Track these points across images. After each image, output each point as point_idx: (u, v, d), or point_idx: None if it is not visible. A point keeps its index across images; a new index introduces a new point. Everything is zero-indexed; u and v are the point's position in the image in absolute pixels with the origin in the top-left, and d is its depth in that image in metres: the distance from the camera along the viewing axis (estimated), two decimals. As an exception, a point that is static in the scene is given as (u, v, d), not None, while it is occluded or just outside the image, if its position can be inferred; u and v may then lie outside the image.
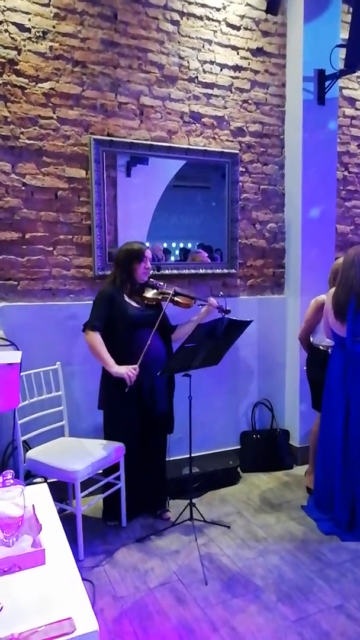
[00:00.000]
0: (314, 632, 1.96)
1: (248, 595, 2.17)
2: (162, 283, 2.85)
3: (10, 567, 1.10)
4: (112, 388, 2.68)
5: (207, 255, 3.49)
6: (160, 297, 2.76)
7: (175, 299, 2.78)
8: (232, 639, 1.92)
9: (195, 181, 3.43)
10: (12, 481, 1.22)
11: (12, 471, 1.26)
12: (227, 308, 2.84)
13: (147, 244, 3.05)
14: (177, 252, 3.41)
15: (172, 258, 3.39)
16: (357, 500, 2.70)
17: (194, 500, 2.79)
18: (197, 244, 3.48)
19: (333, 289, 2.80)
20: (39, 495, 1.49)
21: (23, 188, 2.89)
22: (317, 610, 2.09)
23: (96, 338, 2.60)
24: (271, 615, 2.05)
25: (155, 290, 2.80)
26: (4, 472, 1.25)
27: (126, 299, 2.71)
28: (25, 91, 2.84)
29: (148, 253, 2.76)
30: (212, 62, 3.37)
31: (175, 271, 3.32)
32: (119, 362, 2.60)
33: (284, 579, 2.30)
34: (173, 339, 2.88)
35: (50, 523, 1.32)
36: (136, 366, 2.55)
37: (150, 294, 2.78)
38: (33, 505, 1.31)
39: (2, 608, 1.02)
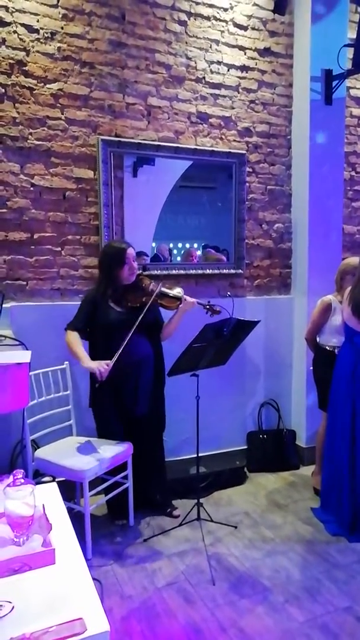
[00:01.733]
0: (322, 634, 1.96)
1: (256, 596, 2.17)
2: (149, 282, 2.72)
3: (20, 567, 1.11)
4: (96, 388, 2.68)
5: (214, 252, 3.49)
6: (143, 300, 2.64)
7: (160, 301, 2.70)
8: None
9: (201, 182, 3.43)
10: (22, 480, 1.23)
11: (22, 470, 1.26)
12: (217, 308, 2.69)
13: (152, 245, 3.03)
14: (182, 252, 3.42)
15: (179, 258, 3.39)
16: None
17: (201, 500, 2.80)
18: (202, 244, 3.47)
19: (348, 288, 2.79)
20: (49, 495, 1.50)
21: (32, 189, 2.90)
22: (325, 611, 2.09)
23: (73, 335, 2.59)
24: (279, 617, 2.05)
25: (140, 292, 2.68)
26: (14, 472, 1.26)
27: (110, 303, 2.66)
28: (34, 92, 2.86)
29: (131, 253, 2.65)
30: (219, 63, 3.37)
31: (182, 271, 3.32)
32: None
33: (291, 580, 2.29)
34: (162, 338, 2.82)
35: (60, 522, 1.33)
36: (109, 362, 2.48)
37: (134, 296, 2.68)
38: (43, 504, 1.31)
39: (13, 608, 1.03)
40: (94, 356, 2.61)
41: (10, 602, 1.03)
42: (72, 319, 2.67)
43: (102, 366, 2.48)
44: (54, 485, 1.59)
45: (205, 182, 3.45)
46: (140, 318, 2.54)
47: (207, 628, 1.99)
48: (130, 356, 2.57)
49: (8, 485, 1.23)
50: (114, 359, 2.49)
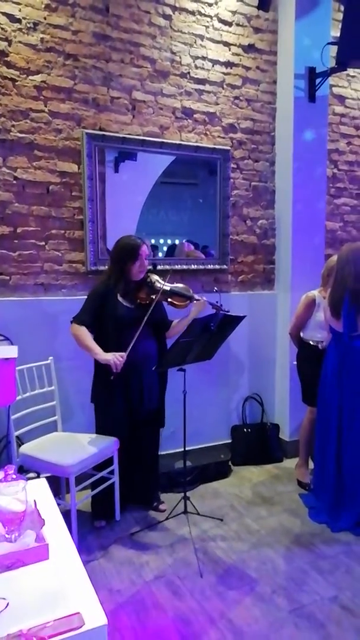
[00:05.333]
0: (309, 623, 1.99)
1: (243, 587, 2.20)
2: (160, 280, 2.73)
3: (13, 563, 1.10)
4: (101, 383, 2.67)
5: (193, 249, 3.49)
6: (153, 297, 2.65)
7: (169, 299, 2.72)
8: (228, 630, 1.94)
9: (183, 178, 3.42)
10: (14, 476, 1.22)
11: (14, 466, 1.25)
12: (223, 307, 2.74)
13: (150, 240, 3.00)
14: (164, 248, 3.41)
15: (160, 254, 3.38)
16: (346, 487, 2.75)
17: (187, 494, 2.81)
18: (184, 240, 3.47)
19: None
20: (39, 491, 1.49)
21: (14, 182, 2.86)
22: (311, 601, 2.12)
23: (82, 329, 2.56)
24: (267, 607, 2.08)
25: (149, 289, 2.69)
26: (6, 467, 1.25)
27: (119, 298, 2.65)
28: (16, 83, 2.81)
29: (144, 250, 2.65)
30: (204, 58, 3.36)
31: (167, 267, 3.31)
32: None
33: (278, 571, 2.33)
34: (167, 336, 2.85)
35: (52, 518, 1.32)
36: (124, 353, 2.50)
37: (143, 293, 2.68)
38: (35, 500, 1.30)
39: (7, 604, 1.02)
40: (107, 348, 2.57)
41: (4, 599, 1.03)
42: (80, 313, 2.61)
43: (117, 358, 2.48)
44: (44, 480, 1.58)
45: (186, 178, 3.44)
46: (148, 315, 2.54)
47: (197, 620, 2.00)
48: (136, 353, 2.57)
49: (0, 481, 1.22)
50: (127, 351, 2.50)
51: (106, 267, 2.85)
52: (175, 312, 2.83)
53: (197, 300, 2.76)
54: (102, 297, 2.63)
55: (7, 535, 1.21)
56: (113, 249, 2.72)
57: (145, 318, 2.54)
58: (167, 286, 2.71)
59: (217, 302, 2.76)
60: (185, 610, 2.06)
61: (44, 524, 1.21)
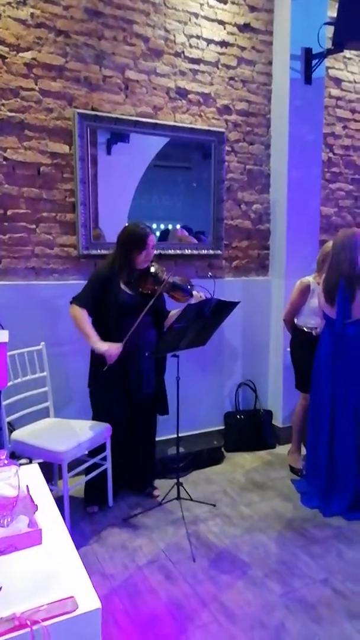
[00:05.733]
0: (300, 606, 2.01)
1: (235, 572, 2.21)
2: (162, 271, 2.71)
3: (6, 548, 1.08)
4: (98, 368, 2.65)
5: (187, 234, 3.45)
6: (156, 288, 2.62)
7: (171, 293, 2.72)
8: (221, 614, 1.95)
9: (176, 161, 3.36)
10: (6, 462, 1.19)
11: (5, 451, 1.22)
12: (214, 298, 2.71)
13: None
14: (157, 233, 3.36)
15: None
16: (338, 472, 2.76)
17: (180, 480, 2.80)
18: (178, 225, 3.41)
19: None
20: (31, 476, 1.46)
21: (4, 162, 2.79)
22: (303, 584, 2.14)
23: (82, 312, 2.54)
24: (259, 590, 2.09)
25: (152, 279, 2.66)
26: (-3, 452, 1.22)
27: (121, 285, 2.61)
28: (6, 60, 2.72)
29: (152, 239, 2.61)
30: (198, 37, 3.28)
31: (160, 251, 3.27)
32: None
33: (269, 555, 2.34)
34: (164, 326, 2.81)
35: (45, 503, 1.30)
36: (120, 345, 2.50)
37: (147, 283, 2.65)
38: (27, 485, 1.28)
39: (1, 588, 1.00)
40: (105, 337, 2.55)
41: (-4, 584, 1.01)
42: (80, 295, 2.58)
43: (112, 349, 2.46)
44: (36, 466, 1.55)
45: (180, 161, 3.38)
46: (150, 304, 2.51)
47: (189, 603, 2.01)
48: (136, 340, 2.54)
49: (-10, 466, 1.19)
50: (124, 341, 2.49)
51: (110, 251, 2.80)
52: (173, 303, 2.82)
53: (196, 295, 2.75)
54: (105, 282, 2.59)
55: (-1, 521, 1.18)
56: (120, 235, 2.66)
57: (147, 307, 2.51)
58: (171, 279, 2.69)
59: (212, 296, 2.73)
60: (178, 594, 2.06)
61: (36, 509, 1.19)
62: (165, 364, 2.84)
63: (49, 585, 1.01)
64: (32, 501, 1.22)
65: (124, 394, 2.68)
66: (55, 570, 1.06)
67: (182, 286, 2.75)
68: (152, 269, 2.69)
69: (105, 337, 2.57)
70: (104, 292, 2.58)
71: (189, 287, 2.77)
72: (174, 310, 2.80)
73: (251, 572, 2.20)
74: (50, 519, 1.23)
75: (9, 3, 2.69)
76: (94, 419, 2.75)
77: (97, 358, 2.60)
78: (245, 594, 2.07)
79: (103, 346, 2.50)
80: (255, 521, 2.65)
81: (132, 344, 2.55)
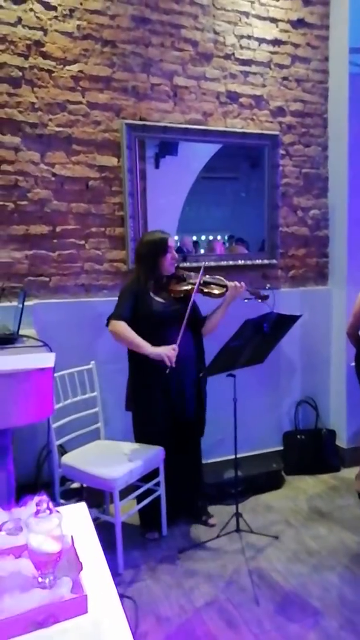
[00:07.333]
0: (383, 666, 1.75)
1: (306, 620, 1.97)
2: (189, 272, 2.62)
3: (46, 619, 0.93)
4: (141, 387, 2.53)
5: (220, 246, 3.29)
6: (189, 289, 2.52)
7: (205, 290, 2.55)
8: (290, 670, 1.74)
9: (223, 172, 3.25)
10: (47, 512, 1.05)
11: (47, 498, 1.09)
12: (264, 294, 2.58)
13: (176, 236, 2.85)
14: (206, 244, 3.24)
15: (202, 250, 3.20)
16: None
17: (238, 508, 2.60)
18: (227, 235, 3.27)
19: None
20: (76, 518, 1.32)
21: (53, 178, 2.73)
22: (384, 638, 1.88)
23: (122, 325, 2.40)
24: (333, 645, 1.85)
25: (183, 282, 2.57)
26: (38, 499, 1.08)
27: (152, 295, 2.50)
28: (53, 74, 2.67)
29: (172, 241, 2.56)
30: (249, 37, 3.12)
31: (212, 263, 3.11)
32: (149, 365, 2.44)
33: (344, 601, 2.08)
34: (203, 333, 2.66)
35: (91, 556, 1.15)
36: (174, 345, 2.37)
37: (177, 286, 2.55)
38: (72, 536, 1.14)
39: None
40: (140, 357, 2.44)
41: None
42: (116, 310, 2.47)
43: (169, 351, 2.35)
44: (83, 506, 1.41)
45: (227, 172, 3.26)
46: (190, 306, 2.41)
47: (253, 657, 1.80)
48: (178, 354, 2.40)
49: (31, 516, 1.06)
50: (177, 343, 2.37)
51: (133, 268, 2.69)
52: (205, 306, 2.67)
53: (232, 285, 2.56)
54: (136, 295, 2.47)
55: (40, 580, 1.04)
56: (140, 247, 2.57)
57: (189, 309, 2.40)
58: (201, 276, 2.55)
59: (257, 288, 2.63)
60: (241, 644, 1.86)
61: (82, 569, 1.04)
62: (206, 381, 2.65)
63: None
64: (77, 557, 1.07)
65: (168, 414, 2.53)
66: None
67: (214, 280, 2.60)
68: (180, 272, 2.60)
69: (146, 357, 2.43)
70: (137, 304, 2.46)
71: (221, 280, 2.61)
72: (210, 313, 2.66)
73: (324, 622, 1.96)
74: (98, 579, 1.08)
75: (56, 17, 2.65)
76: (136, 441, 2.61)
77: (142, 373, 2.48)
78: (316, 647, 1.84)
79: (158, 349, 2.37)
80: (323, 557, 2.40)
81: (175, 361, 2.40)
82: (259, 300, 2.58)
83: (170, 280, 2.58)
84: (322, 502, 2.95)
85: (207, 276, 2.61)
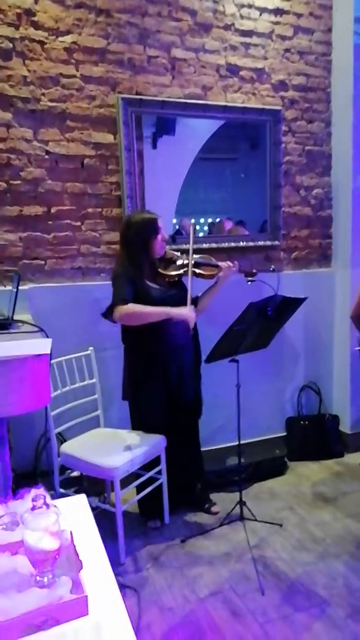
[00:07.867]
0: (393, 656, 1.71)
1: (312, 609, 1.92)
2: (178, 254, 2.53)
3: (44, 621, 0.86)
4: (139, 376, 2.45)
5: (234, 225, 3.18)
6: (182, 272, 2.43)
7: (198, 270, 2.45)
8: (298, 662, 1.69)
9: (222, 153, 3.13)
10: (44, 507, 0.98)
11: (43, 493, 1.01)
12: (254, 270, 2.47)
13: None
14: (205, 227, 3.13)
15: (201, 234, 3.09)
16: None
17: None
18: (226, 217, 3.16)
19: None
20: (75, 512, 1.25)
21: (46, 156, 2.61)
22: (393, 627, 1.83)
23: (131, 305, 2.26)
24: (342, 636, 1.80)
25: (174, 264, 2.47)
26: (33, 494, 1.01)
27: (146, 282, 2.37)
28: (45, 46, 2.54)
29: (161, 222, 2.42)
30: (250, 6, 2.98)
31: (214, 245, 3.02)
32: (148, 352, 2.38)
33: (351, 590, 2.04)
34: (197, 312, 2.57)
35: (91, 552, 1.08)
36: (192, 306, 2.32)
37: (170, 269, 2.45)
38: (71, 532, 1.07)
39: None
40: (144, 343, 2.37)
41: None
42: (117, 296, 2.30)
43: (190, 311, 2.30)
44: (83, 497, 1.34)
45: (226, 153, 3.14)
46: (189, 293, 2.33)
47: (260, 648, 1.76)
48: (175, 338, 2.32)
49: (27, 512, 0.99)
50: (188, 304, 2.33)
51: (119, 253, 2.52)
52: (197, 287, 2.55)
53: (225, 266, 2.48)
54: (133, 281, 2.33)
55: (38, 578, 0.97)
56: (127, 230, 2.39)
57: (190, 291, 2.34)
58: (193, 258, 2.45)
59: (245, 267, 2.55)
60: (247, 635, 1.81)
61: (82, 567, 0.97)
62: (201, 361, 2.54)
63: None
64: (77, 555, 1.00)
65: (166, 399, 2.46)
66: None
67: (206, 261, 2.51)
68: (170, 255, 2.51)
69: (144, 343, 2.36)
70: (135, 291, 2.32)
71: (212, 260, 2.52)
72: (201, 293, 2.57)
73: (331, 611, 1.91)
74: (99, 577, 1.01)
75: (46, -16, 2.50)
76: (133, 428, 2.55)
77: (140, 367, 2.41)
78: (325, 639, 1.79)
79: (183, 309, 2.29)
80: (328, 545, 2.35)
81: (171, 341, 2.34)
82: (248, 279, 2.47)
83: (163, 264, 2.48)
84: (326, 488, 2.90)
85: (198, 256, 2.52)
